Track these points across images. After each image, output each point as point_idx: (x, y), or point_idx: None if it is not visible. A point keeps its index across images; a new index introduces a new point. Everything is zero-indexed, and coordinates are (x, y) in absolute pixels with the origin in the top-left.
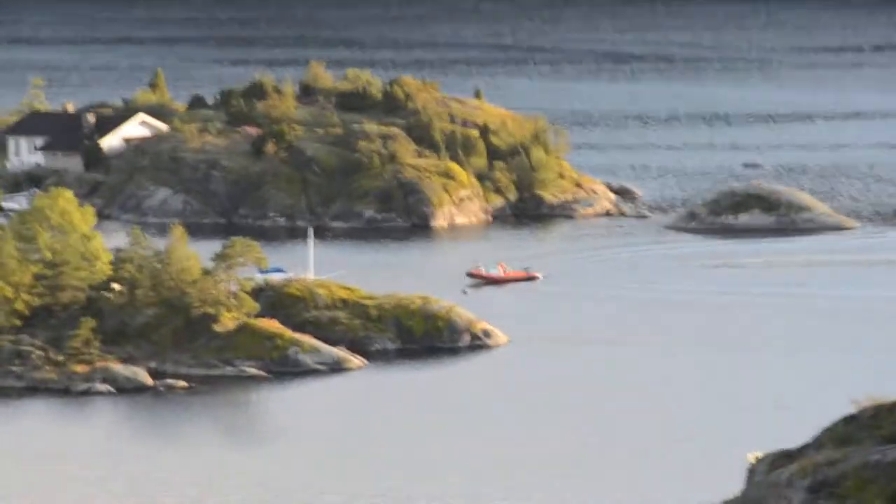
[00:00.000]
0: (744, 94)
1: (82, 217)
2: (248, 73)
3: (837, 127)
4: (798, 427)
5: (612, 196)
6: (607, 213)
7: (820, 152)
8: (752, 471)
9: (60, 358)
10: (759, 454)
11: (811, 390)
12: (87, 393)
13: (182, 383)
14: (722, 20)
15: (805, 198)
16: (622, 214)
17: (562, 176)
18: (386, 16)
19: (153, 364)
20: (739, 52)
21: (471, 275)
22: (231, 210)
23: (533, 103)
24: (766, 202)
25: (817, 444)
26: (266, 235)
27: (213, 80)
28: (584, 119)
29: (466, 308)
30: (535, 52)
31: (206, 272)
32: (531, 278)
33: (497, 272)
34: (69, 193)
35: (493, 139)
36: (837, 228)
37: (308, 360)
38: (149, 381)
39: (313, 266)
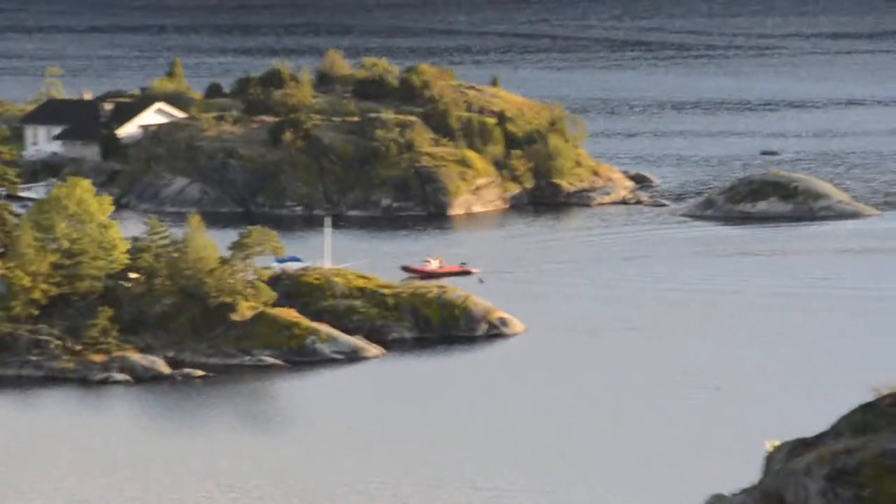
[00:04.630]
0: (760, 82)
1: (100, 206)
2: (262, 63)
3: (855, 114)
4: (816, 415)
5: (630, 184)
6: (624, 202)
7: (838, 140)
8: (770, 459)
9: (78, 347)
10: (777, 442)
11: (829, 378)
12: (104, 382)
13: (200, 373)
14: (736, 8)
15: (823, 185)
16: (639, 202)
17: (579, 164)
18: (399, 2)
19: (171, 353)
20: (751, 40)
21: (405, 269)
22: (248, 199)
23: (549, 92)
24: (783, 190)
25: (835, 432)
26: (283, 224)
27: (227, 69)
28: (602, 107)
29: (483, 297)
30: (550, 39)
31: (224, 261)
32: (466, 273)
33: (433, 266)
34: (87, 182)
35: (510, 127)
36: (855, 216)
37: (326, 348)
38: (166, 370)
39: (330, 255)
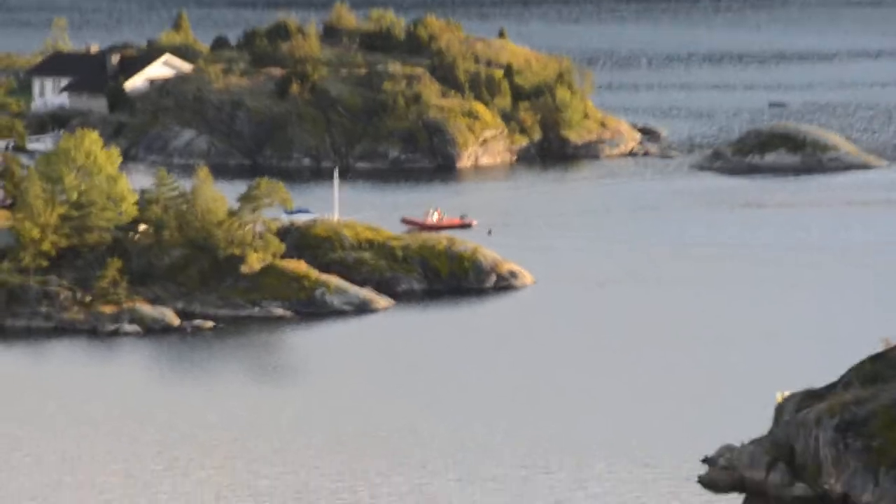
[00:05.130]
0: (768, 34)
1: (108, 158)
2: (268, 15)
3: (862, 65)
4: (825, 366)
5: (638, 136)
6: (632, 154)
7: (845, 91)
8: (780, 410)
9: (88, 299)
10: (787, 394)
11: (838, 329)
12: (114, 333)
13: (209, 324)
14: None
15: (831, 137)
16: (647, 154)
17: (587, 116)
18: None
19: (180, 305)
20: None
21: (405, 221)
22: (256, 151)
23: (556, 44)
24: (791, 141)
25: (845, 383)
26: (291, 176)
27: (235, 22)
28: (609, 60)
29: (491, 249)
30: None
31: (232, 213)
32: (466, 226)
33: (432, 219)
34: (94, 134)
35: (518, 79)
36: (863, 167)
37: (335, 300)
38: (176, 321)
39: (338, 207)
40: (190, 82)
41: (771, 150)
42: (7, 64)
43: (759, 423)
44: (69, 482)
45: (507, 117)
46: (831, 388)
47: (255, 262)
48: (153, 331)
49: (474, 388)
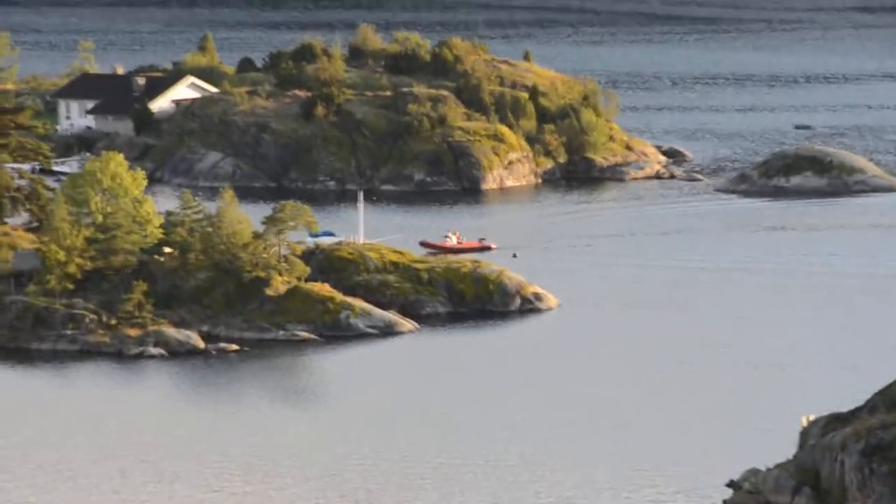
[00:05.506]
0: (793, 56)
1: (133, 181)
2: (292, 37)
3: (888, 87)
4: (851, 390)
5: (663, 159)
6: (658, 176)
7: (871, 113)
8: (805, 434)
9: (113, 322)
10: (813, 417)
11: (863, 353)
12: (140, 356)
13: (234, 347)
14: None
15: (857, 159)
16: (673, 177)
17: (612, 138)
18: None
19: (205, 328)
20: (782, 13)
21: (424, 244)
22: (281, 173)
23: (580, 66)
24: (818, 164)
25: (870, 407)
26: (316, 199)
27: (260, 44)
28: (633, 82)
29: (516, 272)
30: (580, 13)
31: (257, 236)
32: (485, 248)
33: (451, 242)
34: (120, 157)
35: (543, 101)
36: (890, 190)
37: (359, 323)
38: (201, 344)
39: (364, 230)
40: (215, 104)
41: (797, 173)
42: (33, 86)
43: (784, 447)
44: None
45: (532, 140)
46: (857, 412)
47: (279, 284)
48: (178, 354)
49: (499, 412)
